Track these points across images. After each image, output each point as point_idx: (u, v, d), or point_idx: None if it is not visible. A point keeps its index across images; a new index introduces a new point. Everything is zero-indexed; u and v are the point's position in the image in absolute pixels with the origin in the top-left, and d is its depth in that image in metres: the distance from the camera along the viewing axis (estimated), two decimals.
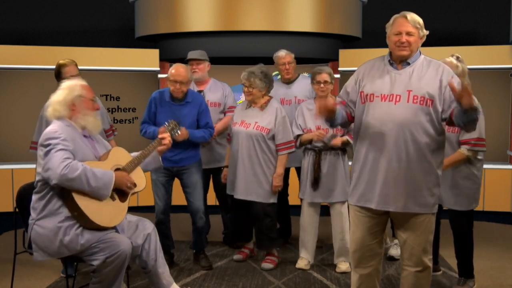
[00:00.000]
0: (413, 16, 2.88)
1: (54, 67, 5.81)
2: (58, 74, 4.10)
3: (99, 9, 7.25)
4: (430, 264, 2.99)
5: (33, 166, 5.80)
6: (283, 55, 4.75)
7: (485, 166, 5.81)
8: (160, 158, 3.51)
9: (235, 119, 4.38)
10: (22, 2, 7.15)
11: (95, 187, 2.95)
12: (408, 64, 2.91)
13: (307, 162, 4.29)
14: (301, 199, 4.39)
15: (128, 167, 3.23)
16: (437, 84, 2.85)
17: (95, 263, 2.98)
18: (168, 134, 3.50)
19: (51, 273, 4.19)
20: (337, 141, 4.14)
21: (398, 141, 2.83)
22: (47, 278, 4.10)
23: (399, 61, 2.92)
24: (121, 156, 3.26)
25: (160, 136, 3.47)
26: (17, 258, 3.38)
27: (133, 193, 3.24)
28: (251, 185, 4.25)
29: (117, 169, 3.18)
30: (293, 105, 4.70)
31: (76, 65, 4.18)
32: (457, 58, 3.71)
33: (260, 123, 4.25)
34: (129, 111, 6.22)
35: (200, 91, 4.74)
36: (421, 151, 2.84)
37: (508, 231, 5.58)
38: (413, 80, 2.86)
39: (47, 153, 2.96)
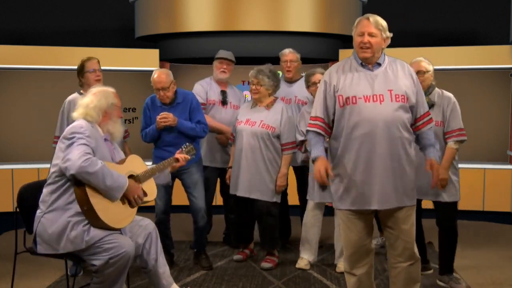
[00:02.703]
0: (375, 18, 2.97)
1: (54, 67, 5.88)
2: (81, 70, 4.21)
3: (99, 9, 7.25)
4: (418, 255, 3.09)
5: (33, 166, 5.84)
6: (287, 52, 4.80)
7: (485, 166, 5.90)
8: (170, 176, 3.66)
9: (239, 117, 4.39)
10: (22, 2, 7.15)
11: (109, 186, 2.99)
12: (379, 64, 2.99)
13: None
14: (306, 199, 4.39)
15: (142, 176, 3.31)
16: (409, 82, 2.97)
17: (98, 263, 2.98)
18: (185, 155, 3.69)
19: (51, 273, 4.19)
20: None
21: (389, 139, 2.90)
22: (48, 278, 4.10)
23: (368, 62, 2.97)
24: (137, 164, 3.34)
25: (177, 156, 3.63)
26: (18, 258, 3.38)
27: (143, 202, 3.28)
28: (254, 182, 4.27)
29: (131, 176, 3.23)
30: (293, 104, 4.72)
31: (99, 62, 4.28)
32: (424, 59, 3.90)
33: (266, 121, 4.27)
34: (129, 111, 6.21)
35: (223, 91, 4.76)
36: (405, 146, 2.94)
37: (508, 231, 5.58)
38: (390, 79, 2.95)
39: (69, 146, 3.00)
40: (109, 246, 2.98)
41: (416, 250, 3.06)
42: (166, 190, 4.30)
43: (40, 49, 5.91)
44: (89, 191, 2.97)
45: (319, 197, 4.27)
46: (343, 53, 6.17)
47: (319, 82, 4.19)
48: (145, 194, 3.27)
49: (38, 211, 3.10)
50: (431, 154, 3.10)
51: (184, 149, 3.75)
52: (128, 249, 3.01)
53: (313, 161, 3.05)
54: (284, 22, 5.94)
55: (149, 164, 3.66)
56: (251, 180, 4.27)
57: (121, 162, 3.25)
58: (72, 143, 3.00)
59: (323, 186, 4.22)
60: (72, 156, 2.94)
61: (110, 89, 3.33)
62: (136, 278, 4.02)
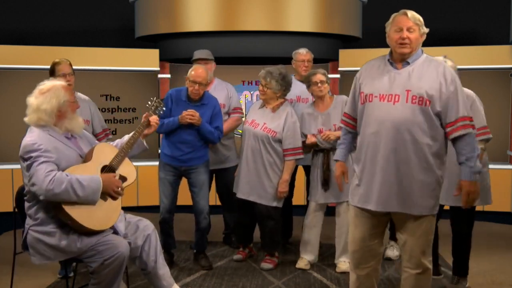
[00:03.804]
0: (413, 13, 2.86)
1: None
2: (52, 72, 4.08)
3: (99, 9, 7.25)
4: (430, 265, 2.97)
5: None
6: (304, 52, 4.80)
7: None
8: (144, 142, 3.44)
9: (247, 117, 4.39)
10: (22, 2, 7.15)
11: (83, 196, 2.90)
12: (408, 63, 2.86)
13: (316, 164, 4.28)
14: (307, 200, 4.38)
15: (115, 162, 3.16)
16: (437, 85, 2.78)
17: (93, 265, 2.97)
18: (154, 117, 3.44)
19: (50, 273, 4.18)
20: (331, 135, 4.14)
21: (397, 141, 2.80)
22: (47, 278, 4.10)
23: (400, 60, 2.88)
24: (106, 152, 3.17)
25: (144, 119, 3.42)
26: (17, 258, 3.37)
27: (124, 187, 3.17)
28: (253, 185, 4.25)
29: (104, 166, 3.11)
30: (310, 103, 4.71)
31: (71, 65, 4.14)
32: (444, 57, 3.73)
33: (269, 125, 4.23)
34: (129, 111, 6.22)
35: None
36: (421, 151, 2.80)
37: (508, 231, 5.58)
38: (413, 79, 2.82)
39: (29, 167, 2.89)
40: (103, 248, 2.96)
41: (426, 260, 2.92)
42: (173, 189, 4.30)
43: (40, 49, 5.91)
44: (66, 207, 2.89)
45: (322, 198, 4.26)
46: (343, 53, 6.17)
47: (320, 82, 4.21)
48: (124, 179, 3.17)
49: (26, 222, 3.06)
50: (461, 175, 2.81)
51: (150, 106, 3.50)
52: (123, 250, 2.99)
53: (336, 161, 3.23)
54: (284, 22, 5.94)
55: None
56: (250, 182, 4.26)
57: (89, 157, 3.08)
58: (31, 164, 2.87)
59: (325, 187, 4.22)
60: (36, 180, 2.83)
61: (59, 84, 3.08)
62: (136, 278, 4.02)
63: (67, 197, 2.86)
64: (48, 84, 3.09)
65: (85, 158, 3.10)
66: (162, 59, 6.22)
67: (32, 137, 2.94)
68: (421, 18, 2.87)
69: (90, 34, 7.22)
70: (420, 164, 2.81)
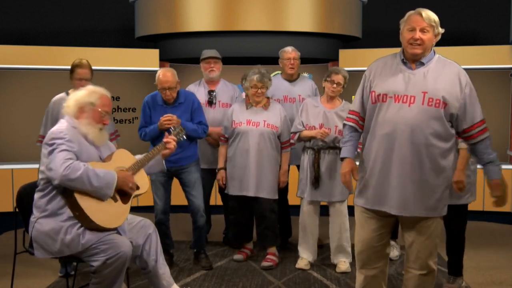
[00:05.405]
0: (428, 13, 2.77)
1: (54, 67, 5.88)
2: (72, 71, 4.10)
3: (99, 9, 7.25)
4: (435, 267, 2.94)
5: (33, 166, 5.82)
6: (290, 50, 4.78)
7: None
8: (164, 162, 3.53)
9: (237, 119, 4.39)
10: (22, 2, 7.15)
11: (97, 187, 2.95)
12: (423, 64, 2.81)
13: (306, 161, 4.30)
14: (301, 199, 4.40)
15: (132, 169, 3.23)
16: (454, 87, 2.76)
17: (95, 264, 2.97)
18: (174, 138, 3.53)
19: (51, 273, 4.19)
20: None
21: (410, 144, 2.75)
22: (47, 278, 4.10)
23: (413, 60, 2.82)
24: (125, 158, 3.26)
25: (165, 140, 3.49)
26: (17, 258, 3.38)
27: (136, 196, 3.24)
28: (261, 182, 4.32)
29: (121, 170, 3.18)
30: (297, 103, 4.70)
31: (91, 69, 4.14)
32: None
33: (268, 121, 4.33)
34: (129, 111, 6.22)
35: (211, 91, 4.74)
36: (433, 154, 2.76)
37: (508, 231, 5.58)
38: (429, 81, 2.76)
39: (50, 152, 2.97)
40: (106, 247, 2.97)
41: (432, 262, 2.91)
42: (165, 190, 4.30)
43: (40, 49, 5.91)
44: (78, 196, 2.93)
45: (310, 195, 4.29)
46: (343, 53, 6.17)
47: (336, 83, 4.21)
48: (137, 187, 3.21)
49: (32, 216, 3.08)
50: (491, 174, 2.87)
51: (172, 132, 3.62)
52: (125, 249, 3.00)
53: (341, 159, 3.05)
54: (284, 22, 5.94)
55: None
56: (258, 180, 4.32)
57: (108, 159, 3.18)
58: (53, 150, 2.96)
59: (315, 185, 4.24)
60: (54, 165, 2.91)
61: (100, 91, 3.18)
62: (136, 278, 4.02)
63: (81, 185, 2.91)
64: (94, 87, 3.22)
65: (104, 159, 3.19)
66: (162, 59, 6.22)
67: (60, 127, 3.06)
68: (436, 19, 2.79)
69: (90, 34, 7.23)
70: (432, 167, 2.78)
